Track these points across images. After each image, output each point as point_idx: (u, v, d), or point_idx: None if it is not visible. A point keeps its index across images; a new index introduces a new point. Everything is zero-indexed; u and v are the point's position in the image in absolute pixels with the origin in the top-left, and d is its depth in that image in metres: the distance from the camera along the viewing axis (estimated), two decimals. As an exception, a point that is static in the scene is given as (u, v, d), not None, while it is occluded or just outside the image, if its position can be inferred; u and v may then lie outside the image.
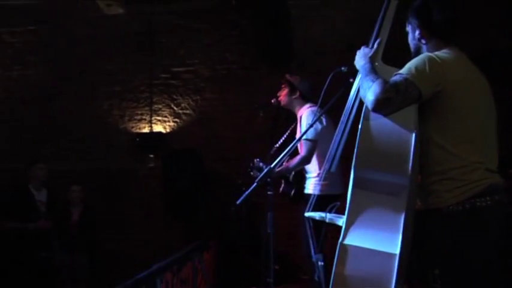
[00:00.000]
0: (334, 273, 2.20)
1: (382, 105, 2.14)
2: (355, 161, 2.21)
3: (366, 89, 2.21)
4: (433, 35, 2.41)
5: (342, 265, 2.19)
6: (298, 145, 4.33)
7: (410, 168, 2.15)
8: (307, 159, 4.10)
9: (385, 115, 2.18)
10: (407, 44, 2.56)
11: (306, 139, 4.08)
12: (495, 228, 2.21)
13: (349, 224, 2.24)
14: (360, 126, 2.23)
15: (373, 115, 2.21)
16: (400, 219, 2.17)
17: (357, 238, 2.20)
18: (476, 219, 2.17)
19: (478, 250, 2.16)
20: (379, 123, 2.20)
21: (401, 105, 2.17)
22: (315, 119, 3.86)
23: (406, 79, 2.17)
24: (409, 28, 2.53)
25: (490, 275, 2.19)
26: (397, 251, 2.12)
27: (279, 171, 4.17)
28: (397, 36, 2.61)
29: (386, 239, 2.16)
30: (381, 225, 2.19)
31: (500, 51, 5.99)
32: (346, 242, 2.21)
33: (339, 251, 2.21)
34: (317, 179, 4.12)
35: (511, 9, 6.12)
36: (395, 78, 2.21)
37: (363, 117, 2.24)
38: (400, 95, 2.14)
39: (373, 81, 2.19)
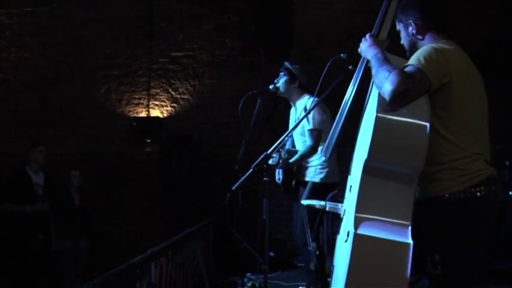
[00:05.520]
0: (350, 263, 2.16)
1: (401, 96, 2.14)
2: (369, 151, 2.17)
3: (382, 79, 2.19)
4: (428, 28, 2.43)
5: (358, 255, 2.17)
6: (296, 137, 4.31)
7: (423, 159, 2.16)
8: (315, 148, 4.11)
9: (402, 106, 2.18)
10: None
11: (314, 129, 4.09)
12: (491, 216, 2.29)
13: (360, 212, 2.21)
14: (375, 117, 2.18)
15: (388, 106, 2.18)
16: (410, 208, 2.20)
17: (370, 228, 2.18)
18: (476, 207, 2.24)
19: (477, 236, 2.24)
20: (396, 113, 2.17)
21: (417, 95, 2.18)
22: (317, 108, 3.85)
23: (419, 69, 2.19)
24: (400, 26, 2.52)
25: (485, 260, 2.29)
26: (410, 240, 2.14)
27: (294, 161, 4.15)
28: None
29: (399, 229, 2.17)
30: (393, 214, 2.20)
31: (502, 41, 5.95)
32: (360, 231, 2.18)
33: (353, 242, 2.17)
34: (318, 167, 4.14)
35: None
36: (409, 68, 2.21)
37: (379, 107, 2.19)
38: (417, 86, 2.16)
39: (390, 72, 2.17)
